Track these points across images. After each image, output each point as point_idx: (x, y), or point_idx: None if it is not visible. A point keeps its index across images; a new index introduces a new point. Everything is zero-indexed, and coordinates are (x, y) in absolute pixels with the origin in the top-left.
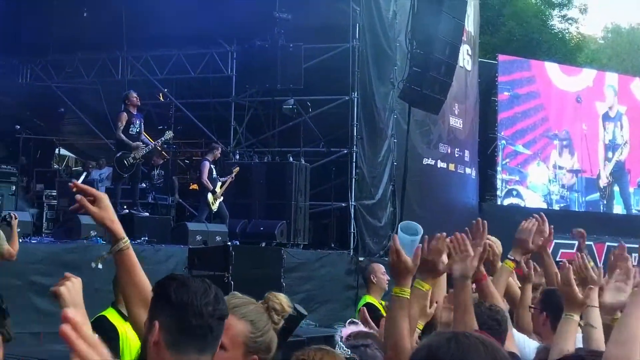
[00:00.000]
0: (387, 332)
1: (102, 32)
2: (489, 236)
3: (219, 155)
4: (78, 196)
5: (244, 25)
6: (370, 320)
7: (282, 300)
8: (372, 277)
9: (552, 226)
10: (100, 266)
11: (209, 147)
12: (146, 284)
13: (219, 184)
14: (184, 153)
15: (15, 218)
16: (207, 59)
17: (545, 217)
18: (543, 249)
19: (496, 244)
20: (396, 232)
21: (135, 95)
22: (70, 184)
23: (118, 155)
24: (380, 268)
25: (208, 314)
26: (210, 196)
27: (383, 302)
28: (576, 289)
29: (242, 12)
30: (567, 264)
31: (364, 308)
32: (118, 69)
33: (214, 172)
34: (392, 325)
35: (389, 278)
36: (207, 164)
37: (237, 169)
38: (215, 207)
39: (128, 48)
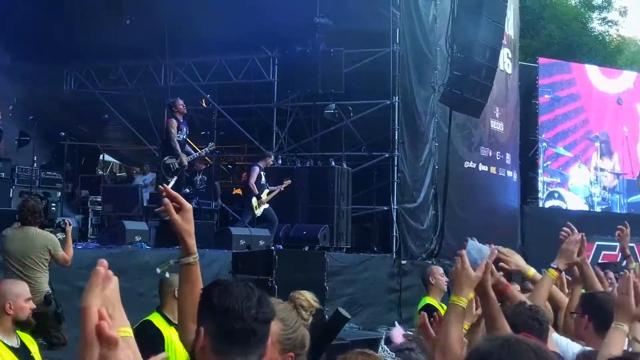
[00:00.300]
0: (440, 337)
1: (145, 39)
2: (501, 248)
3: (271, 163)
4: (166, 200)
5: (285, 31)
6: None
7: (307, 296)
8: (430, 279)
9: (583, 234)
10: (167, 274)
11: (262, 153)
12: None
13: (267, 191)
14: (226, 158)
15: (70, 225)
16: (248, 65)
17: (574, 227)
18: (583, 259)
19: (510, 255)
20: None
21: (181, 102)
22: (160, 187)
23: (165, 159)
24: (438, 270)
25: (250, 318)
26: (254, 200)
27: (444, 306)
28: (632, 299)
29: (283, 18)
30: (628, 273)
31: (424, 313)
32: (161, 75)
33: (263, 179)
34: (446, 332)
35: (447, 279)
36: (257, 169)
37: (289, 181)
38: (258, 212)
39: (170, 55)
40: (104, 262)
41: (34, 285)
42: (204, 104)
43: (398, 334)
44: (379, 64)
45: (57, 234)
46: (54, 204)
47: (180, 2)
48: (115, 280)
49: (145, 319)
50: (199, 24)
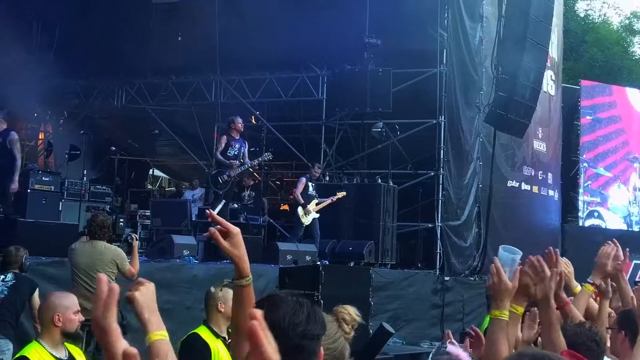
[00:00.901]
0: (487, 353)
1: (196, 56)
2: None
3: (317, 174)
4: (212, 228)
5: (335, 50)
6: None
7: (350, 311)
8: None
9: (627, 249)
10: (220, 292)
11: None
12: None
13: (315, 201)
14: (274, 174)
15: (136, 239)
16: (298, 83)
17: (618, 243)
18: (619, 273)
19: (567, 264)
20: (496, 254)
21: (240, 121)
22: (207, 211)
23: (213, 172)
24: None
25: (297, 335)
26: (300, 210)
27: None
28: None
29: (333, 37)
30: None
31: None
32: (211, 91)
33: (311, 189)
34: (491, 347)
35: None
36: (303, 180)
37: (344, 193)
38: (306, 221)
39: (221, 71)
40: (104, 276)
41: None
42: (253, 121)
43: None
44: (426, 84)
45: (124, 248)
46: (122, 220)
47: (231, 19)
48: (152, 286)
49: (193, 331)
50: (249, 42)
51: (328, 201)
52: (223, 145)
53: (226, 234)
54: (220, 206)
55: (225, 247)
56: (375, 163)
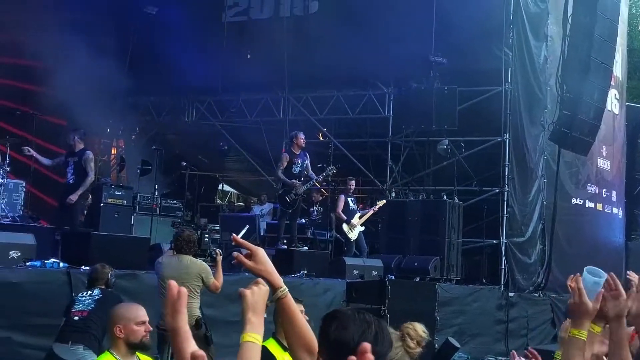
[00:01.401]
0: None
1: (265, 73)
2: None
3: (352, 188)
4: (235, 253)
5: (401, 69)
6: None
7: (416, 327)
8: None
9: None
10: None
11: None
12: (306, 329)
13: (357, 215)
14: (341, 190)
15: (220, 254)
16: (365, 100)
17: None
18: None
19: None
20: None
21: (302, 137)
22: (233, 235)
23: (280, 192)
24: None
25: None
26: (345, 226)
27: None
28: None
29: (400, 56)
30: None
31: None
32: (279, 108)
33: (351, 204)
34: None
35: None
36: (342, 197)
37: (384, 201)
38: (353, 236)
39: (289, 89)
40: (174, 282)
41: (187, 310)
42: (320, 137)
43: None
44: (490, 102)
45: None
46: (207, 235)
47: (299, 38)
48: (265, 289)
49: (261, 344)
50: (317, 60)
51: (370, 212)
52: (285, 164)
53: (250, 256)
54: (244, 231)
55: (250, 267)
56: (441, 180)
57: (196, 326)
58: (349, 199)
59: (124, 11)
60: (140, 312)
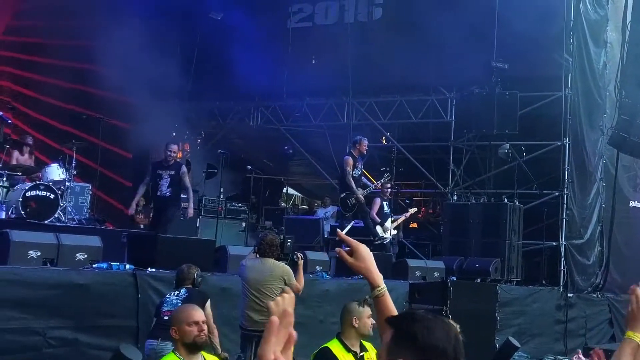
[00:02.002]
0: None
1: (329, 78)
2: None
3: (388, 192)
4: (337, 249)
5: (464, 74)
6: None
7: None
8: None
9: None
10: (362, 308)
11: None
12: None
13: (390, 219)
14: (404, 193)
15: (302, 258)
16: (427, 105)
17: None
18: None
19: None
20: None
21: (366, 142)
22: (338, 230)
23: (342, 195)
24: None
25: (451, 358)
26: (379, 228)
27: None
28: None
29: (462, 61)
30: None
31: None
32: (343, 113)
33: (386, 208)
34: None
35: None
36: (378, 201)
37: (415, 209)
38: (387, 237)
39: (353, 94)
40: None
41: (269, 311)
42: (384, 142)
43: None
44: (551, 107)
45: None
46: (289, 240)
47: (363, 43)
48: (290, 299)
49: (325, 345)
50: (380, 65)
51: (402, 218)
52: (351, 167)
53: (351, 252)
54: (349, 226)
55: (351, 263)
56: (502, 183)
57: None
58: (384, 203)
59: (189, 17)
60: (192, 313)
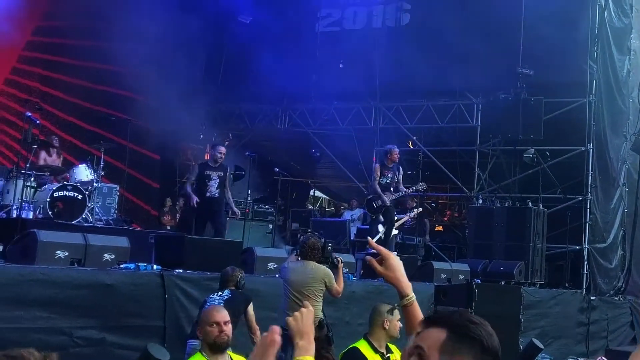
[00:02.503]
0: None
1: (357, 82)
2: None
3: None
4: (368, 257)
5: (489, 80)
6: None
7: None
8: None
9: None
10: (391, 315)
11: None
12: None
13: (394, 218)
14: (430, 197)
15: (341, 262)
16: (454, 110)
17: None
18: None
19: None
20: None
21: (397, 152)
22: (369, 238)
23: (369, 197)
24: None
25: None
26: (380, 227)
27: None
28: None
29: (488, 67)
30: None
31: None
32: (371, 117)
33: None
34: None
35: None
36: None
37: (420, 210)
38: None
39: (380, 98)
40: (277, 329)
41: None
42: (410, 145)
43: None
44: (575, 113)
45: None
46: (330, 244)
47: (390, 49)
48: (309, 313)
49: (353, 345)
50: (408, 70)
51: (405, 217)
52: (378, 174)
53: (382, 261)
54: (380, 234)
55: (381, 272)
56: (526, 187)
57: (319, 327)
58: (374, 203)
59: (218, 20)
60: (215, 314)
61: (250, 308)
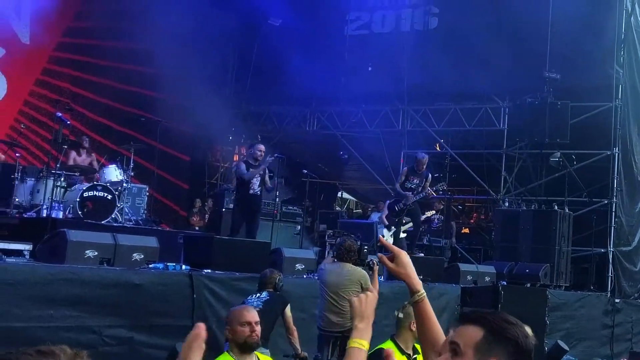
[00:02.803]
0: None
1: (385, 85)
2: None
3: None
4: (379, 254)
5: (516, 84)
6: None
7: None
8: None
9: None
10: (401, 315)
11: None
12: (440, 333)
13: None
14: (457, 200)
15: (376, 264)
16: (481, 114)
17: None
18: None
19: None
20: None
21: (424, 160)
22: (380, 236)
23: (391, 201)
24: None
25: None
26: (385, 231)
27: None
28: None
29: (515, 71)
30: None
31: None
32: (399, 120)
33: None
34: None
35: None
36: (388, 204)
37: (433, 212)
38: (390, 241)
39: (409, 101)
40: (202, 325)
41: (346, 313)
42: (437, 148)
43: None
44: (601, 117)
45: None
46: (365, 247)
47: (418, 52)
48: (373, 297)
49: (380, 346)
50: (435, 74)
51: (416, 221)
52: (404, 178)
53: (393, 258)
54: (390, 233)
55: (392, 269)
56: (552, 190)
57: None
58: (395, 207)
59: (247, 22)
60: (245, 314)
61: (288, 309)
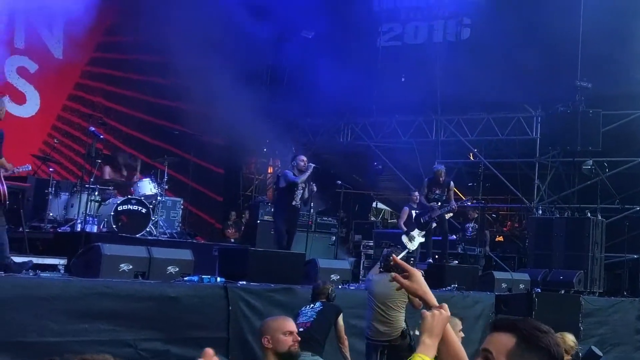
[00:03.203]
0: None
1: (418, 96)
2: None
3: (416, 201)
4: (393, 274)
5: (548, 93)
6: None
7: (566, 337)
8: None
9: None
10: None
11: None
12: (458, 348)
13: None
14: (491, 208)
15: (422, 275)
16: (513, 123)
17: None
18: None
19: None
20: None
21: (441, 172)
22: (392, 256)
23: (417, 213)
24: None
25: None
26: (404, 237)
27: None
28: None
29: (547, 81)
30: None
31: None
32: (432, 130)
33: (413, 217)
34: None
35: None
36: (406, 210)
37: (451, 215)
38: (411, 247)
39: (442, 111)
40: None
41: (393, 323)
42: (471, 157)
43: None
44: (633, 125)
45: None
46: (412, 258)
47: (450, 63)
48: (445, 315)
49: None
50: (468, 84)
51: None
52: (426, 189)
53: (407, 276)
54: (404, 252)
55: (407, 286)
56: (585, 198)
57: (402, 337)
58: (412, 212)
59: (281, 34)
60: (287, 323)
61: (340, 319)
